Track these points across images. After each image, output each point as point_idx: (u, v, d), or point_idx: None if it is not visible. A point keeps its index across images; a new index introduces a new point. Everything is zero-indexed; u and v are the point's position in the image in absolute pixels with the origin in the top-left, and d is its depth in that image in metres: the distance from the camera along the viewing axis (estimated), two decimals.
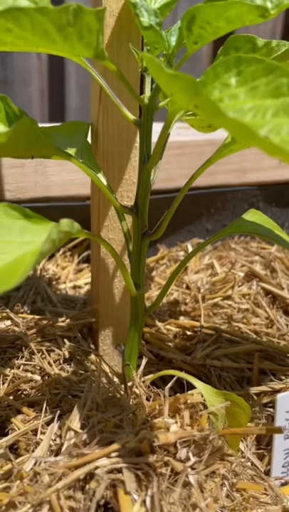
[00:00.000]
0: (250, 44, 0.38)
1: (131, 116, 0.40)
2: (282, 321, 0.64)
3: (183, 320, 0.63)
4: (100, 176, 0.45)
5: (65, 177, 0.71)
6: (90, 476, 0.34)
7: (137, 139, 0.49)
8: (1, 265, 0.31)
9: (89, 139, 0.49)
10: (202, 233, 0.87)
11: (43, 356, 0.51)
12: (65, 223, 0.32)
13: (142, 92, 0.46)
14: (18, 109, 0.38)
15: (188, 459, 0.36)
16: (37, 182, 0.70)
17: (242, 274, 0.72)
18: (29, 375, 0.48)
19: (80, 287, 0.70)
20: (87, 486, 0.34)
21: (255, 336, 0.60)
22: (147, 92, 0.39)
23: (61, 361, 0.51)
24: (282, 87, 0.27)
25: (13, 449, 0.41)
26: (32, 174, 0.69)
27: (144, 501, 0.32)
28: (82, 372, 0.51)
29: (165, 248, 0.83)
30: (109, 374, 0.47)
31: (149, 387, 0.46)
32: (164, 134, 0.37)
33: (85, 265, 0.77)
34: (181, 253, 0.82)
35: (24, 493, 0.33)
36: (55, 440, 0.40)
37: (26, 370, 0.49)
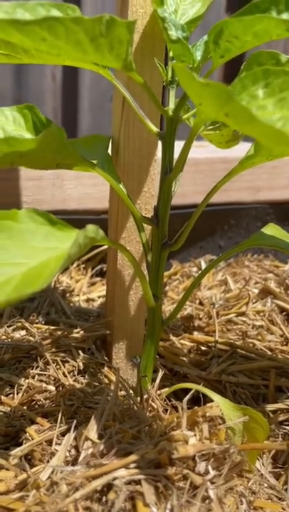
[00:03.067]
0: (273, 60, 0.39)
1: (154, 129, 0.41)
2: None
3: (197, 335, 0.62)
4: (121, 186, 0.46)
5: (81, 191, 0.72)
6: (108, 487, 0.33)
7: (157, 153, 0.50)
8: (24, 269, 0.31)
9: (109, 151, 0.49)
10: (215, 250, 0.87)
11: (58, 367, 0.50)
12: (91, 229, 0.32)
13: (163, 104, 0.47)
14: (46, 118, 0.39)
15: (207, 472, 0.35)
16: (54, 195, 0.70)
17: (256, 291, 0.71)
18: (44, 385, 0.48)
19: (93, 300, 0.70)
20: (104, 497, 0.33)
21: (270, 353, 0.59)
22: (171, 105, 0.40)
23: (75, 372, 0.51)
24: None
25: (27, 459, 0.41)
26: (49, 187, 0.69)
27: None
28: (97, 384, 0.50)
29: (178, 264, 0.83)
30: (126, 385, 0.47)
31: (164, 400, 0.45)
32: (188, 146, 0.37)
33: (98, 279, 0.77)
34: (194, 269, 0.82)
35: (41, 502, 0.33)
36: (70, 451, 0.39)
37: (41, 381, 0.49)
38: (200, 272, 0.81)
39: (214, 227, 0.86)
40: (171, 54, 0.37)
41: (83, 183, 0.71)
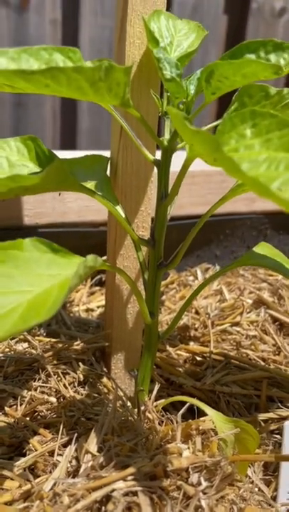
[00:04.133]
0: (263, 92, 0.41)
1: (151, 157, 0.43)
2: None
3: (193, 345, 0.65)
4: (119, 208, 0.48)
5: (81, 203, 0.74)
6: (107, 498, 0.35)
7: (153, 174, 0.52)
8: (30, 297, 0.33)
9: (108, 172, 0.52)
10: (211, 259, 0.89)
11: (59, 379, 0.53)
12: (91, 259, 0.34)
13: (159, 131, 0.49)
14: (48, 149, 0.41)
15: (199, 483, 0.37)
16: (54, 208, 0.73)
17: (250, 301, 0.74)
18: (45, 396, 0.50)
19: (92, 310, 0.73)
20: (103, 508, 0.35)
21: (263, 363, 0.62)
22: (166, 135, 0.42)
23: (76, 384, 0.53)
24: None
25: (31, 469, 0.43)
26: (50, 201, 0.72)
27: None
28: (96, 395, 0.53)
29: (175, 273, 0.86)
30: (123, 398, 0.49)
31: (160, 411, 0.48)
32: (182, 175, 0.40)
33: (97, 288, 0.79)
34: (191, 278, 0.84)
35: None
36: (71, 462, 0.42)
37: (43, 392, 0.51)
38: (196, 280, 0.83)
39: (210, 236, 0.88)
40: (167, 91, 0.40)
41: (83, 196, 0.73)
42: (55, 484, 0.37)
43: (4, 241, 0.73)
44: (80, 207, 0.74)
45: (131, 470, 0.36)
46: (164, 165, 0.43)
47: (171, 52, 0.44)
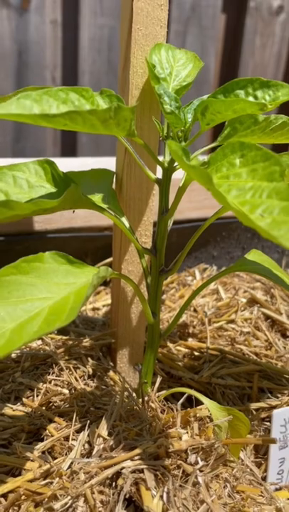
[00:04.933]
0: (252, 119, 0.47)
1: (153, 176, 0.49)
2: (280, 344, 0.72)
3: (191, 341, 0.70)
4: (124, 219, 0.53)
5: (87, 210, 0.79)
6: (117, 475, 0.41)
7: (155, 187, 0.57)
8: (51, 303, 0.39)
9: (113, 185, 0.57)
10: (209, 259, 0.95)
11: (70, 372, 0.58)
12: (103, 270, 0.40)
13: (159, 148, 0.54)
14: (62, 172, 0.46)
15: (196, 463, 0.43)
16: (62, 214, 0.78)
17: (244, 300, 0.79)
18: (59, 388, 0.56)
19: (98, 309, 0.78)
20: (114, 483, 0.41)
21: (255, 358, 0.67)
22: (167, 157, 0.48)
23: (86, 377, 0.59)
24: (275, 173, 0.35)
25: (49, 452, 0.49)
26: None
27: (161, 496, 0.40)
28: (104, 387, 0.58)
29: (175, 273, 0.91)
30: (129, 389, 0.55)
31: (162, 401, 0.54)
32: (182, 194, 0.45)
33: (102, 287, 0.85)
34: (189, 278, 0.90)
35: (64, 487, 0.41)
36: (84, 445, 0.47)
37: (56, 385, 0.57)
38: (194, 280, 0.89)
39: (208, 239, 0.93)
40: (168, 121, 0.45)
41: None
42: (72, 464, 0.43)
43: (15, 245, 0.79)
44: (86, 212, 0.80)
45: (137, 451, 0.42)
46: (164, 183, 0.48)
47: (170, 81, 0.50)
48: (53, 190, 0.45)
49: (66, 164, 0.91)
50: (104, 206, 0.51)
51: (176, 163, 0.47)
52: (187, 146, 0.44)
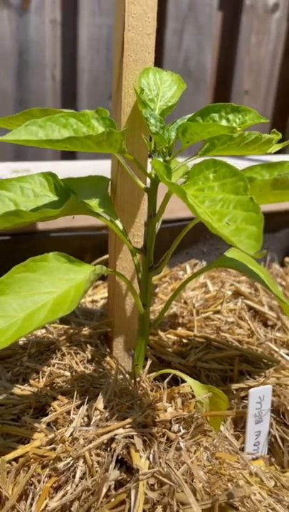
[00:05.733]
0: (228, 136, 0.54)
1: (142, 185, 0.56)
2: (262, 332, 0.79)
3: (180, 330, 0.78)
4: (118, 222, 0.61)
5: None
6: (111, 440, 0.49)
7: (146, 194, 0.65)
8: (55, 296, 0.46)
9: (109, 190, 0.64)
10: (199, 255, 1.02)
11: (72, 357, 0.66)
12: (99, 268, 0.47)
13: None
14: (64, 183, 0.54)
15: (179, 431, 0.51)
16: None
17: (230, 293, 0.87)
18: (61, 371, 0.63)
19: (96, 301, 0.86)
20: (108, 447, 0.49)
21: (237, 344, 0.75)
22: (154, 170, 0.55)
23: (85, 361, 0.67)
24: (240, 187, 0.42)
25: (53, 424, 0.57)
26: None
27: (148, 457, 0.47)
28: (101, 370, 0.66)
29: (167, 268, 0.99)
30: (123, 372, 0.63)
31: (152, 382, 0.61)
32: (166, 202, 0.52)
33: (100, 282, 0.92)
34: (181, 272, 0.97)
35: (66, 451, 0.49)
36: (83, 418, 0.55)
37: (59, 368, 0.64)
38: (185, 274, 0.96)
39: (198, 236, 1.01)
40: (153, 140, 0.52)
41: None
42: (73, 432, 0.51)
43: (20, 243, 0.87)
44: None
45: (128, 420, 0.50)
46: (152, 192, 0.55)
47: (157, 101, 0.57)
48: (56, 198, 0.53)
49: (67, 167, 0.98)
50: (100, 210, 0.58)
51: None
52: (171, 160, 0.51)
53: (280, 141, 0.58)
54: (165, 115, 0.54)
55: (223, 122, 0.49)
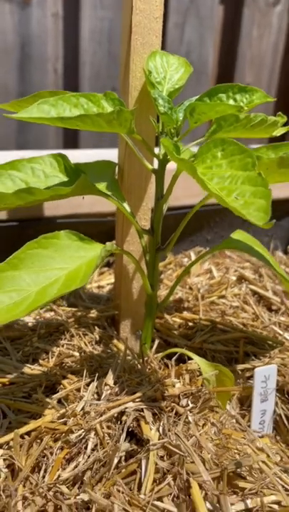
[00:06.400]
0: (234, 117, 0.54)
1: (150, 167, 0.57)
2: (266, 316, 0.81)
3: (186, 314, 0.79)
4: (125, 205, 0.62)
5: (93, 198, 0.87)
6: (122, 413, 0.50)
7: (152, 177, 0.66)
8: (66, 272, 0.47)
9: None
10: (203, 243, 1.03)
11: (80, 338, 0.67)
12: (109, 245, 0.48)
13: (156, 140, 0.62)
14: (74, 164, 0.55)
15: (187, 405, 0.52)
16: (70, 202, 0.86)
17: (234, 278, 0.88)
18: (70, 351, 0.65)
19: (103, 287, 0.87)
20: (119, 421, 0.50)
21: (242, 327, 0.76)
22: (162, 150, 0.56)
23: (93, 343, 0.68)
24: (248, 164, 0.43)
25: (64, 401, 0.58)
26: None
27: (158, 429, 0.49)
28: (109, 351, 0.67)
29: (171, 255, 1.00)
30: (131, 352, 0.64)
31: (159, 361, 0.62)
32: (174, 182, 0.53)
33: (105, 269, 0.93)
34: (185, 259, 0.98)
35: (78, 424, 0.50)
36: (93, 395, 0.56)
37: (68, 348, 0.65)
38: (190, 261, 0.97)
39: (202, 223, 1.02)
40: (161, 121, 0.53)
41: None
42: (84, 406, 0.52)
43: (27, 229, 0.88)
44: (92, 199, 0.88)
45: (138, 394, 0.51)
46: (160, 173, 0.56)
47: (165, 84, 0.58)
48: (66, 179, 0.54)
49: (70, 156, 0.99)
50: (108, 193, 0.59)
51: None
52: (178, 141, 0.52)
53: (285, 125, 0.59)
54: (172, 97, 0.55)
55: (231, 102, 0.50)
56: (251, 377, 0.68)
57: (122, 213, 0.68)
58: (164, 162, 0.56)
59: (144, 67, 0.56)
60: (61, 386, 0.59)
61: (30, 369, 0.62)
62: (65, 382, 0.60)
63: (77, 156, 1.00)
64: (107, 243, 0.49)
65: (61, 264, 0.47)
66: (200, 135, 0.56)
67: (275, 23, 1.65)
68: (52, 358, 0.64)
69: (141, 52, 0.59)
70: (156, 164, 0.58)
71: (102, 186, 0.61)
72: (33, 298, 0.44)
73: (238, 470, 0.47)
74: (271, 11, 1.62)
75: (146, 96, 0.60)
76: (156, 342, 0.63)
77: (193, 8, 1.49)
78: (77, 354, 0.65)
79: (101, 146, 1.28)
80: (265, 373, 0.64)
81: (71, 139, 1.29)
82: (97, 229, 0.90)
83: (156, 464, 0.46)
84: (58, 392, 0.59)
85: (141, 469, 0.46)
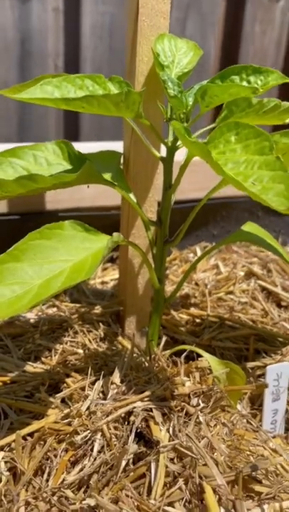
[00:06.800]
0: (246, 102, 0.52)
1: (158, 154, 0.54)
2: (275, 313, 0.78)
3: (193, 310, 0.77)
4: (131, 195, 0.59)
5: (95, 190, 0.85)
6: (129, 413, 0.48)
7: (159, 166, 0.63)
8: (71, 264, 0.44)
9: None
10: (209, 238, 1.01)
11: (84, 335, 0.65)
12: (116, 236, 0.46)
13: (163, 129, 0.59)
14: (78, 151, 0.52)
15: (198, 404, 0.49)
16: (72, 195, 0.84)
17: (242, 273, 0.85)
18: (74, 349, 0.62)
19: (106, 283, 0.84)
20: (126, 421, 0.48)
21: (251, 324, 0.73)
22: (170, 137, 0.53)
23: (98, 339, 0.65)
24: (266, 148, 0.41)
25: (68, 400, 0.55)
26: (69, 189, 0.82)
27: (168, 429, 0.46)
28: (114, 348, 0.65)
29: (177, 250, 0.97)
30: (137, 350, 0.61)
31: (167, 359, 0.60)
32: (183, 170, 0.51)
33: (109, 264, 0.91)
34: (191, 255, 0.96)
35: (83, 424, 0.47)
36: (99, 394, 0.54)
37: (72, 346, 0.63)
38: (196, 257, 0.95)
39: (208, 218, 0.99)
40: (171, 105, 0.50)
41: (97, 185, 0.84)
42: (90, 405, 0.49)
43: (29, 223, 0.86)
44: (95, 193, 0.85)
45: (147, 393, 0.48)
46: (168, 161, 0.54)
47: (173, 68, 0.55)
48: (69, 167, 0.51)
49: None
50: (114, 183, 0.57)
51: (178, 142, 0.53)
52: (189, 127, 0.50)
53: None
54: (182, 81, 0.53)
55: (244, 84, 0.48)
56: (262, 375, 0.66)
57: (128, 205, 0.65)
58: (172, 149, 0.53)
59: (152, 49, 0.53)
60: (65, 385, 0.57)
61: (33, 367, 0.60)
62: (69, 380, 0.57)
63: (78, 148, 0.97)
64: (114, 233, 0.46)
65: (65, 255, 0.45)
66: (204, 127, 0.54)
67: (277, 19, 1.62)
68: (55, 355, 0.61)
69: (148, 35, 0.56)
70: (163, 153, 0.56)
71: (107, 176, 0.59)
72: (36, 291, 0.41)
73: (254, 473, 0.44)
74: (274, 6, 1.60)
75: (154, 81, 0.58)
76: (164, 339, 0.61)
77: (195, 4, 1.46)
78: (81, 351, 0.62)
79: (104, 139, 1.26)
80: (277, 371, 0.61)
81: (72, 137, 1.27)
82: (100, 223, 0.87)
83: (166, 467, 0.44)
84: (61, 391, 0.56)
85: (150, 473, 0.44)
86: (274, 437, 0.62)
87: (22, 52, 1.22)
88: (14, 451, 0.47)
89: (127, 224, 0.66)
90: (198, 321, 0.74)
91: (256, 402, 0.63)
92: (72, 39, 1.28)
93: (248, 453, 0.50)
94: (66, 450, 0.47)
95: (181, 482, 0.43)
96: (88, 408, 0.49)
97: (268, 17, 1.60)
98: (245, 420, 0.59)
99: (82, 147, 0.92)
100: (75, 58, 1.30)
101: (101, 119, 1.25)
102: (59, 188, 0.47)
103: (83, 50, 1.28)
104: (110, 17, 1.29)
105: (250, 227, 0.61)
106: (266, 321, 0.75)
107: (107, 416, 0.47)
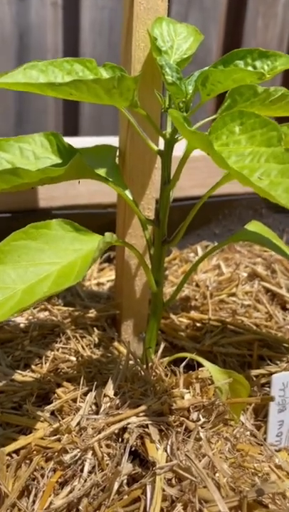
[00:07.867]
0: (251, 90, 0.48)
1: (155, 148, 0.50)
2: (280, 316, 0.74)
3: (193, 313, 0.72)
4: (128, 192, 0.55)
5: (91, 188, 0.81)
6: (124, 430, 0.44)
7: (157, 161, 0.59)
8: (59, 267, 0.40)
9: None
10: (210, 237, 0.96)
11: (77, 341, 0.61)
12: (108, 236, 0.42)
13: (161, 121, 0.55)
14: (68, 144, 0.48)
15: (198, 419, 0.45)
16: (67, 192, 0.79)
17: (245, 274, 0.81)
18: (66, 356, 0.58)
19: (103, 284, 0.80)
20: (120, 438, 0.44)
21: (255, 328, 0.69)
22: (168, 129, 0.49)
23: (92, 346, 0.61)
24: (273, 138, 0.37)
25: (57, 413, 0.51)
26: (63, 185, 0.78)
27: (165, 448, 0.42)
28: (109, 355, 0.61)
29: (177, 250, 0.93)
30: (133, 357, 0.57)
31: (166, 367, 0.56)
32: (183, 164, 0.47)
33: (106, 264, 0.87)
34: (191, 254, 0.92)
35: (73, 442, 0.43)
36: (91, 406, 0.50)
37: (64, 352, 0.59)
38: (197, 257, 0.90)
39: (210, 216, 0.95)
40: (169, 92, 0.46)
41: (92, 181, 0.79)
42: (80, 421, 0.45)
43: (20, 221, 0.81)
44: (90, 190, 0.81)
45: (142, 408, 0.44)
46: (166, 154, 0.50)
47: (172, 54, 0.51)
48: (59, 161, 0.47)
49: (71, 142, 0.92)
50: (109, 179, 0.53)
51: (177, 135, 0.49)
52: (189, 117, 0.46)
53: None
54: (181, 67, 0.48)
55: (250, 69, 0.43)
56: (267, 383, 0.62)
57: (124, 203, 0.61)
58: (171, 142, 0.49)
59: (149, 33, 0.49)
60: (55, 395, 0.53)
61: (22, 376, 0.56)
62: (59, 391, 0.53)
63: (74, 143, 0.93)
64: (106, 233, 0.42)
65: (53, 258, 0.41)
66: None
67: (280, 13, 1.58)
68: (46, 363, 0.57)
69: (144, 19, 0.52)
70: (161, 146, 0.51)
71: (101, 171, 0.55)
72: (19, 297, 0.37)
73: (259, 497, 0.40)
74: (277, 1, 1.56)
75: (151, 69, 0.54)
76: (162, 345, 0.57)
77: None
78: (73, 359, 0.58)
79: (103, 134, 1.22)
80: (283, 380, 0.57)
81: (71, 134, 1.23)
82: (97, 221, 0.83)
83: (163, 491, 0.40)
84: (51, 402, 0.52)
85: (146, 496, 0.40)
86: (279, 450, 0.59)
87: (20, 47, 1.18)
88: None
89: (123, 223, 0.62)
90: (198, 325, 0.70)
91: (260, 413, 0.59)
92: (71, 34, 1.24)
93: (253, 471, 0.46)
94: (54, 470, 0.43)
95: (179, 507, 0.39)
96: (79, 423, 0.45)
97: (270, 12, 1.56)
98: (248, 433, 0.55)
99: (79, 142, 0.87)
100: (74, 53, 1.26)
101: (101, 116, 1.21)
102: (46, 183, 0.43)
103: (82, 45, 1.24)
104: (110, 12, 1.25)
105: (254, 226, 0.57)
106: (271, 325, 0.71)
107: (99, 433, 0.43)
